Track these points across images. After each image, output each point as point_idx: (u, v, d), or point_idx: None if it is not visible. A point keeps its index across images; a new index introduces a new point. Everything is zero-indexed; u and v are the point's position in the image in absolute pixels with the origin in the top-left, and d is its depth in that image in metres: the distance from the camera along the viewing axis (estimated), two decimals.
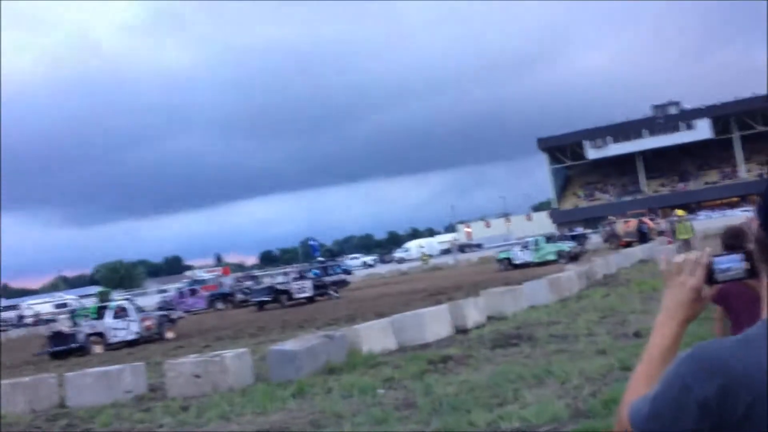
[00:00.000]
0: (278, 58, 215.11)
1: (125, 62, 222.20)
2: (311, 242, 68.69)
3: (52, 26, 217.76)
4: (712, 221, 58.38)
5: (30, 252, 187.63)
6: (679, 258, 1.38)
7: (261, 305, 32.51)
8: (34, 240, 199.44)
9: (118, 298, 50.75)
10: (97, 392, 11.01)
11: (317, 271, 36.50)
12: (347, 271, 38.52)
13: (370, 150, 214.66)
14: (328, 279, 35.17)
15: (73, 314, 26.95)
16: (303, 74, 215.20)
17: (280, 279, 36.10)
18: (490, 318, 14.46)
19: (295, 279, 34.36)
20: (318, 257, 52.44)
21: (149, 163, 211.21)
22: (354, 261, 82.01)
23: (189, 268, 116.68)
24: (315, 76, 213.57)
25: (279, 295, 32.35)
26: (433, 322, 13.26)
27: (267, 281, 46.71)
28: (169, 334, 23.37)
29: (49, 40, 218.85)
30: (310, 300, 32.70)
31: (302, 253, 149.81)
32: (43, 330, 37.59)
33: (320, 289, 33.57)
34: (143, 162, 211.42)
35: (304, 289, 32.95)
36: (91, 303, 38.30)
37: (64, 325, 26.25)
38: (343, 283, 36.38)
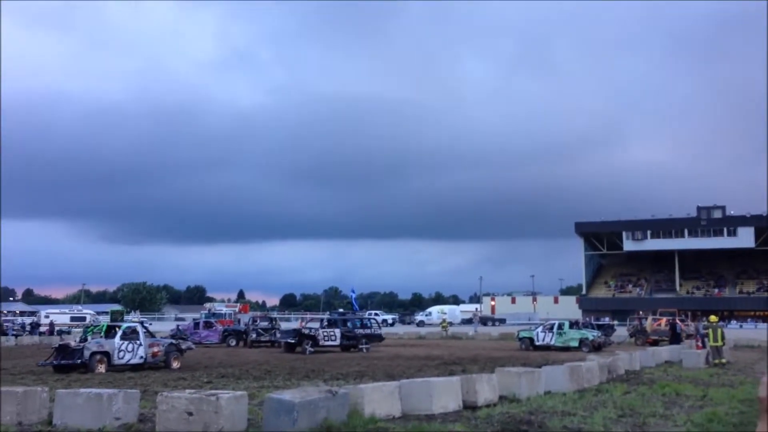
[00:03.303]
0: (337, 112, 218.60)
1: (196, 95, 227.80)
2: (351, 293, 68.04)
3: (136, 53, 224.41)
4: (742, 331, 56.71)
5: (61, 262, 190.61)
6: None
7: (288, 347, 31.96)
8: (67, 251, 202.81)
9: (133, 319, 50.66)
10: (85, 414, 10.58)
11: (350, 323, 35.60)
12: (366, 326, 37.69)
13: (408, 210, 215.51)
14: (360, 332, 34.44)
15: (85, 330, 26.72)
16: (358, 129, 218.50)
17: (311, 324, 35.41)
18: (502, 398, 13.80)
19: (324, 326, 33.75)
20: (357, 311, 51.83)
21: (192, 192, 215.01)
22: (375, 318, 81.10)
23: (210, 300, 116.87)
24: (369, 132, 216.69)
25: (304, 340, 31.75)
26: (443, 393, 12.66)
27: (284, 325, 46.21)
28: (175, 364, 22.92)
29: (130, 67, 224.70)
30: (344, 349, 32.29)
31: (324, 302, 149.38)
32: (55, 340, 37.49)
33: (350, 340, 32.97)
34: (187, 190, 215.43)
35: (331, 337, 32.36)
36: (105, 320, 38.10)
37: (73, 339, 25.94)
38: (377, 338, 35.58)
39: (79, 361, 21.06)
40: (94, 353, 21.31)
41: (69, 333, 47.06)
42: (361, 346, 32.82)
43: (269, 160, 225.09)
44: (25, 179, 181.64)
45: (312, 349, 31.06)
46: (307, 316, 79.43)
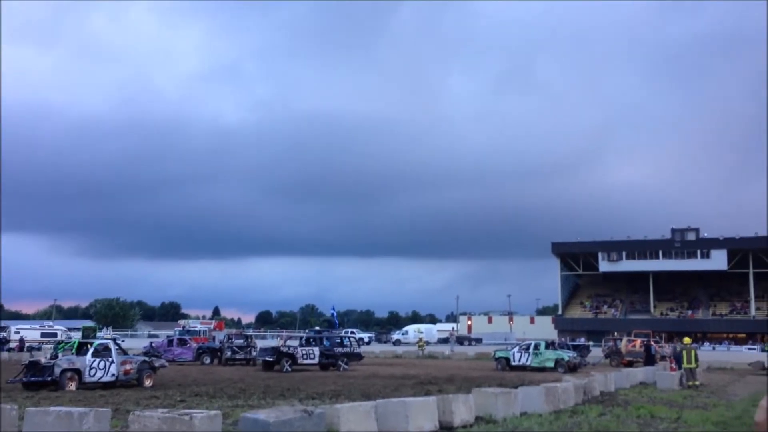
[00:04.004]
0: (320, 129, 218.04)
1: (179, 110, 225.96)
2: (332, 311, 67.81)
3: (119, 67, 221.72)
4: (715, 353, 57.18)
5: (33, 277, 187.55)
6: None
7: (267, 365, 31.76)
8: (41, 266, 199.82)
9: (106, 336, 49.96)
10: None
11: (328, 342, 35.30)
12: (345, 344, 37.25)
13: (388, 229, 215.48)
14: (339, 350, 34.30)
15: (56, 346, 26.26)
16: (340, 147, 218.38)
17: (291, 343, 35.19)
18: (478, 418, 13.75)
19: (303, 345, 33.52)
20: (338, 329, 51.55)
21: (173, 207, 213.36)
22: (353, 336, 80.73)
23: (185, 316, 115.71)
24: (351, 150, 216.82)
25: (283, 358, 31.55)
26: (419, 414, 12.58)
27: (259, 342, 45.76)
28: (148, 382, 22.59)
29: (113, 80, 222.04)
30: (322, 368, 32.25)
31: (300, 319, 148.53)
32: (25, 357, 36.82)
33: (329, 358, 32.84)
34: (167, 205, 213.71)
35: (310, 355, 32.20)
36: (77, 337, 37.50)
37: (43, 356, 25.49)
38: (357, 357, 35.36)
39: (49, 378, 20.68)
40: (64, 370, 20.94)
41: (39, 349, 46.24)
42: (339, 364, 32.71)
43: (251, 175, 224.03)
44: (3, 192, 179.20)
45: (290, 368, 30.92)
46: (284, 333, 78.94)
